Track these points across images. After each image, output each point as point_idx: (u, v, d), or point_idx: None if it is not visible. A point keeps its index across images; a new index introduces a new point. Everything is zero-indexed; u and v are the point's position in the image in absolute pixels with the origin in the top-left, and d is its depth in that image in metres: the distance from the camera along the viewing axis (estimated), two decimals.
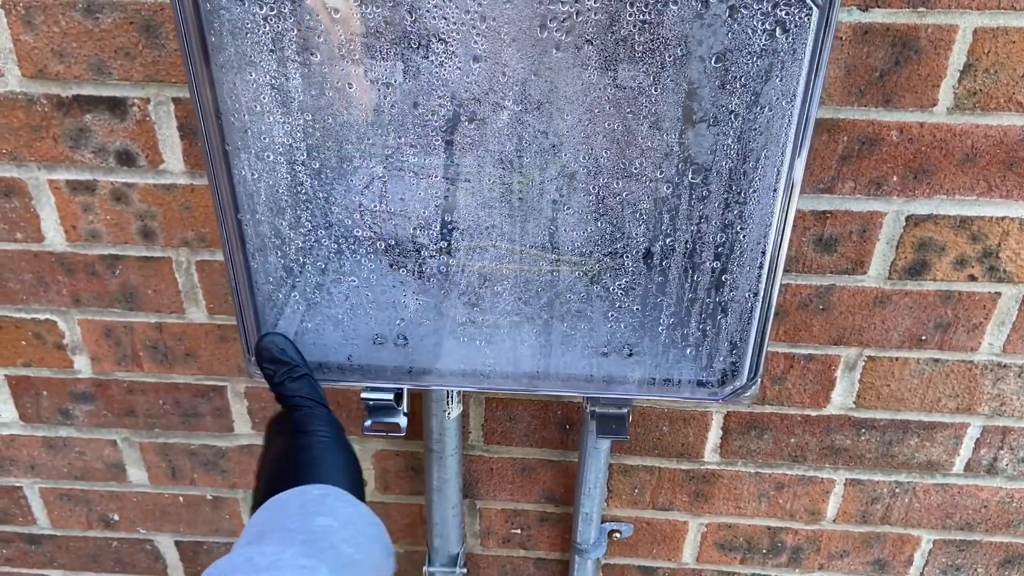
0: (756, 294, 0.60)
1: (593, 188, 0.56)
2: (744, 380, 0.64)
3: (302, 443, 0.59)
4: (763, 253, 0.58)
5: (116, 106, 0.75)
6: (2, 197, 0.80)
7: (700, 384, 0.65)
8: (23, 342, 0.90)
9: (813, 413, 0.89)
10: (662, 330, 0.63)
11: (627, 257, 0.59)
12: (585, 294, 0.61)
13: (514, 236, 0.59)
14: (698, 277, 0.60)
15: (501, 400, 0.91)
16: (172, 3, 0.51)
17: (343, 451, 0.59)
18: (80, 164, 0.78)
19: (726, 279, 0.60)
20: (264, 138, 0.56)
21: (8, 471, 1.01)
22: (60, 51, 0.72)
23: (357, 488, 0.58)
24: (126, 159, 0.77)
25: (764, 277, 0.59)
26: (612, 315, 0.62)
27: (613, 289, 0.61)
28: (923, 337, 0.83)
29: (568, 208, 0.58)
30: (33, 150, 0.77)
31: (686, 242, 0.58)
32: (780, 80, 0.51)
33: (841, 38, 0.68)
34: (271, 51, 0.52)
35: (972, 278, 0.79)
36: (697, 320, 0.62)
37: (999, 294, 0.80)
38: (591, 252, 0.59)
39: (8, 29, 0.71)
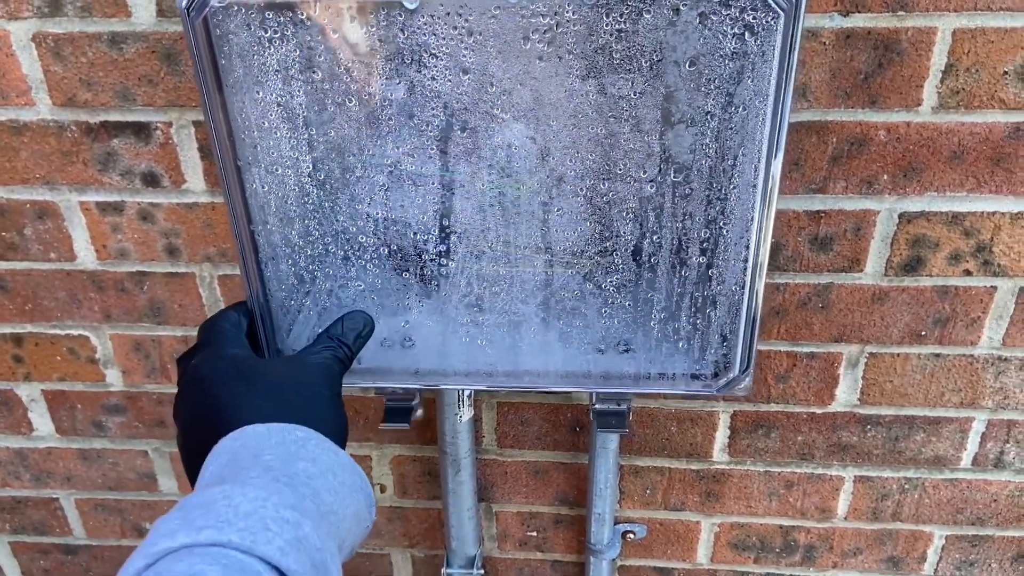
0: (743, 287, 0.63)
1: (581, 190, 0.60)
2: (737, 372, 0.67)
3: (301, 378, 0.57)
4: (747, 247, 0.61)
5: (141, 130, 0.80)
6: (36, 219, 0.85)
7: (694, 377, 0.67)
8: (58, 357, 0.95)
9: (818, 411, 0.91)
10: (654, 325, 0.65)
11: (617, 255, 0.62)
12: (579, 292, 0.64)
13: (509, 238, 0.62)
14: (686, 272, 0.63)
15: (513, 404, 0.94)
16: (185, 30, 0.55)
17: (335, 399, 0.58)
18: (108, 186, 0.83)
19: (713, 273, 0.62)
20: (273, 153, 0.60)
21: (45, 483, 1.06)
22: (88, 80, 0.77)
23: (340, 440, 0.55)
24: (151, 180, 0.82)
25: (749, 270, 0.62)
26: (606, 312, 0.65)
27: (605, 286, 0.64)
28: (923, 332, 0.84)
29: (559, 210, 0.61)
30: (64, 174, 0.82)
31: (672, 239, 0.61)
32: (752, 81, 0.54)
33: (824, 42, 0.71)
34: (276, 71, 0.56)
35: (967, 273, 0.81)
36: (687, 314, 0.65)
37: (995, 288, 0.81)
38: (582, 251, 0.62)
39: (39, 61, 0.76)
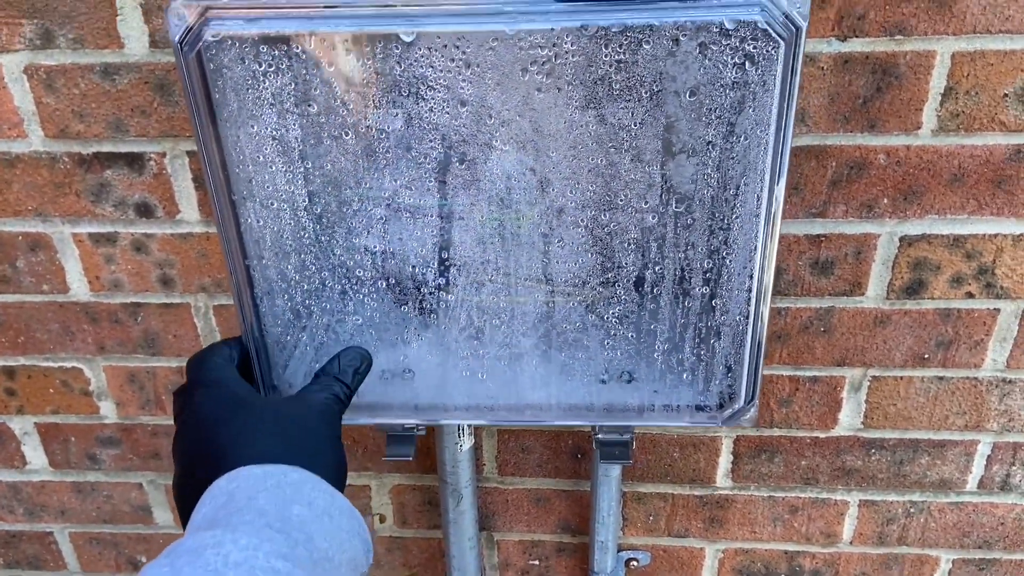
0: (747, 317, 0.62)
1: (582, 221, 0.59)
2: (742, 403, 0.66)
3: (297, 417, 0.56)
4: (751, 277, 0.60)
5: (134, 161, 0.79)
6: (29, 251, 0.84)
7: (699, 408, 0.66)
8: (51, 390, 0.93)
9: (822, 435, 0.90)
10: (658, 356, 0.64)
11: (619, 286, 0.61)
12: (581, 324, 0.63)
13: (509, 270, 0.61)
14: (689, 303, 0.62)
15: (513, 432, 0.93)
16: (178, 65, 0.54)
17: (334, 440, 0.57)
18: (101, 217, 0.82)
19: (716, 304, 0.62)
20: (268, 187, 0.59)
21: (39, 517, 1.04)
22: (80, 112, 0.76)
23: (339, 481, 0.54)
24: (145, 211, 0.81)
25: (753, 300, 0.61)
26: (608, 343, 0.64)
27: (607, 318, 0.63)
28: (926, 355, 0.83)
29: (559, 241, 0.60)
30: (57, 206, 0.81)
31: (675, 269, 0.60)
32: (753, 110, 0.54)
33: (822, 67, 0.71)
34: (271, 104, 0.56)
35: (970, 295, 0.80)
36: (691, 345, 0.64)
37: (998, 310, 0.80)
38: (584, 283, 0.62)
39: (31, 93, 0.76)
